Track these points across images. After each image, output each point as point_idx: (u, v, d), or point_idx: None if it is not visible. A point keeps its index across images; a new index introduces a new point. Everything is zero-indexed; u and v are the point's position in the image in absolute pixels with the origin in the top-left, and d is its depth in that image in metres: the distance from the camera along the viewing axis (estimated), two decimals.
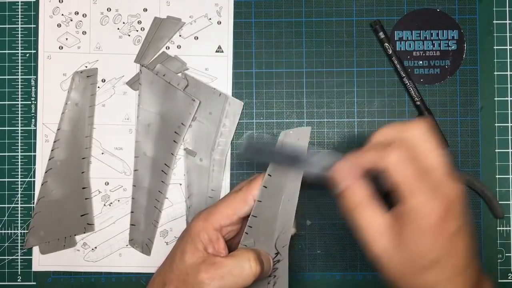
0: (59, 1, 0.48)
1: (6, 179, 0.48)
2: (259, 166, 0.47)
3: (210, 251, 0.36)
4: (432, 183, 0.31)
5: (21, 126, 0.48)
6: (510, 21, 0.48)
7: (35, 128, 0.48)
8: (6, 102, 0.48)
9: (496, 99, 0.48)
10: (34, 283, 0.47)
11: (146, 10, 0.48)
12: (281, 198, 0.37)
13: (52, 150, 0.47)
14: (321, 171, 0.35)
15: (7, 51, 0.48)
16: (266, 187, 0.37)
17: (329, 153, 0.36)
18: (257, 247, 0.37)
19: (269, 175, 0.37)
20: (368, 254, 0.33)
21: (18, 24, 0.48)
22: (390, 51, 0.47)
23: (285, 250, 0.38)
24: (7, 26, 0.48)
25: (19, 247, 0.48)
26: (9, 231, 0.48)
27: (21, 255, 0.48)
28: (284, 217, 0.37)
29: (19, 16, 0.48)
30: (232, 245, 0.39)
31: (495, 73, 0.48)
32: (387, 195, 0.33)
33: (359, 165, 0.33)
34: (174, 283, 0.35)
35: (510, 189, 0.47)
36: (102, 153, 0.48)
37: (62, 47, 0.48)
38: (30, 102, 0.48)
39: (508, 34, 0.48)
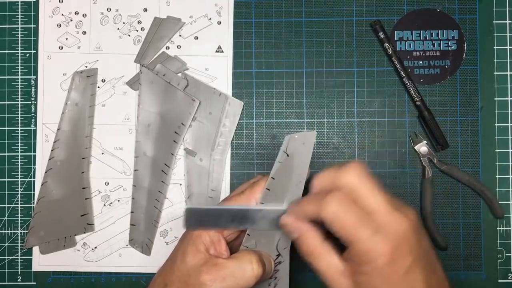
0: (59, 1, 0.48)
1: (6, 179, 0.48)
2: (259, 165, 0.47)
3: (211, 253, 0.36)
4: (375, 225, 0.30)
5: (21, 126, 0.48)
6: (510, 21, 0.48)
7: (35, 128, 0.48)
8: (6, 102, 0.48)
9: (496, 99, 0.48)
10: (34, 283, 0.47)
11: (146, 10, 0.48)
12: (283, 202, 0.37)
13: (52, 150, 0.47)
14: (271, 225, 0.36)
15: (7, 51, 0.48)
16: (269, 190, 0.37)
17: (273, 205, 0.36)
18: (259, 249, 0.37)
19: (272, 178, 0.37)
20: None
21: (18, 24, 0.48)
22: (390, 51, 0.47)
23: (286, 252, 0.38)
24: (7, 26, 0.48)
25: (19, 247, 0.48)
26: (9, 231, 0.48)
27: (21, 255, 0.48)
28: None
29: (19, 16, 0.48)
30: (233, 247, 0.39)
31: (495, 73, 0.48)
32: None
33: (303, 216, 0.34)
34: (175, 284, 0.35)
35: (510, 189, 0.47)
36: (102, 153, 0.48)
37: (62, 47, 0.48)
38: (30, 102, 0.48)
39: (508, 34, 0.48)
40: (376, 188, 0.31)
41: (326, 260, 0.32)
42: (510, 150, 0.47)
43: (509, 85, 0.48)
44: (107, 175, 0.48)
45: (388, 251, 0.30)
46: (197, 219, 0.36)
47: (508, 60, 0.48)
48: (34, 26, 0.48)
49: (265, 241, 0.38)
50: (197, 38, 0.48)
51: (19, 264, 0.48)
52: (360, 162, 0.33)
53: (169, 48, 0.48)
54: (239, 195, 0.38)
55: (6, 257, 0.48)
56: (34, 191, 0.48)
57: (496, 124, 0.47)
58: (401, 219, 0.31)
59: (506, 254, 0.47)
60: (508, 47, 0.48)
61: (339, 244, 0.32)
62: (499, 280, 0.47)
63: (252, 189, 0.37)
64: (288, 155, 0.36)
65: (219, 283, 0.34)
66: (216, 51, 0.48)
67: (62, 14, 0.48)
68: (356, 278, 0.31)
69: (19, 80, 0.48)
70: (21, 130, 0.48)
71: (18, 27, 0.48)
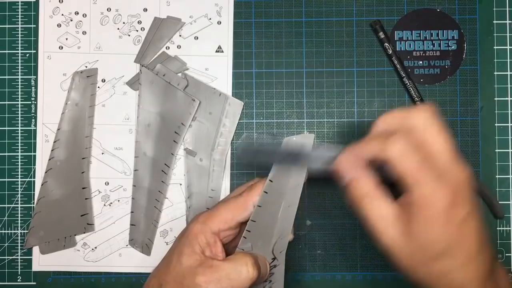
0: (59, 1, 0.48)
1: (6, 179, 0.48)
2: (259, 167, 0.47)
3: (207, 254, 0.36)
4: (438, 170, 0.30)
5: (21, 126, 0.48)
6: (510, 21, 0.48)
7: (35, 128, 0.48)
8: (6, 102, 0.48)
9: (496, 99, 0.48)
10: (34, 283, 0.47)
11: (146, 10, 0.48)
12: (281, 204, 0.37)
13: (52, 150, 0.47)
14: (324, 165, 0.35)
15: (7, 51, 0.48)
16: (267, 193, 0.37)
17: (330, 146, 0.35)
18: (255, 252, 0.37)
19: (270, 180, 0.37)
20: (378, 245, 0.32)
21: (18, 24, 0.48)
22: (390, 51, 0.47)
23: (282, 256, 0.38)
24: (7, 26, 0.48)
25: (19, 247, 0.48)
26: (9, 231, 0.48)
27: (21, 255, 0.48)
28: (283, 223, 0.37)
29: (19, 16, 0.48)
30: (229, 249, 0.39)
31: (495, 73, 0.48)
32: (393, 184, 0.32)
33: (362, 156, 0.32)
34: (170, 284, 0.35)
35: (510, 189, 0.47)
36: (102, 153, 0.48)
37: (62, 47, 0.48)
38: (30, 102, 0.48)
39: (508, 34, 0.48)
40: (442, 134, 0.31)
41: (378, 207, 0.32)
42: (510, 150, 0.47)
43: (509, 85, 0.48)
44: (107, 175, 0.48)
45: (450, 197, 0.30)
46: (252, 151, 0.36)
47: (508, 60, 0.48)
48: (34, 26, 0.48)
49: (261, 244, 0.38)
50: (197, 38, 0.48)
51: (19, 264, 0.48)
52: (430, 105, 0.32)
53: (169, 48, 0.48)
54: (236, 198, 0.38)
55: (6, 257, 0.48)
56: (34, 191, 0.48)
57: (496, 124, 0.47)
58: (461, 168, 0.31)
59: (506, 254, 0.47)
60: (508, 47, 0.48)
61: (392, 194, 0.32)
62: None
63: (249, 192, 0.37)
64: None
65: (213, 285, 0.34)
66: (216, 51, 0.48)
67: (62, 14, 0.48)
68: (409, 227, 0.31)
69: (19, 80, 0.48)
70: (21, 130, 0.48)
71: (18, 27, 0.48)
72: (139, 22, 0.48)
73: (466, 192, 0.31)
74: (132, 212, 0.47)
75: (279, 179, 0.37)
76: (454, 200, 0.30)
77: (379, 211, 0.32)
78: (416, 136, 0.31)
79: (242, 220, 0.37)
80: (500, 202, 0.47)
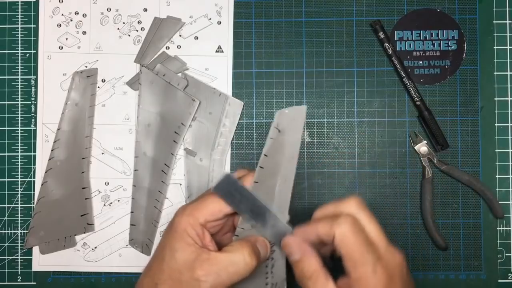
0: (59, 1, 0.48)
1: (6, 179, 0.48)
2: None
3: (199, 245, 0.36)
4: (376, 254, 0.33)
5: (21, 126, 0.48)
6: (510, 21, 0.48)
7: (35, 128, 0.48)
8: (6, 102, 0.48)
9: (496, 99, 0.48)
10: (34, 283, 0.47)
11: (146, 10, 0.48)
12: (277, 178, 0.37)
13: (52, 150, 0.47)
14: (275, 238, 0.37)
15: (7, 51, 0.48)
16: (262, 168, 0.36)
17: (283, 225, 0.37)
18: (254, 230, 0.37)
19: (265, 155, 0.36)
20: None
21: (18, 24, 0.48)
22: (390, 51, 0.47)
23: None
24: (7, 26, 0.48)
25: (19, 247, 0.48)
26: (9, 231, 0.48)
27: (21, 255, 0.48)
28: (281, 199, 0.37)
29: (19, 16, 0.48)
30: (216, 239, 0.38)
31: (495, 73, 0.48)
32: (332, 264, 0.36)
33: (308, 238, 0.35)
34: (167, 282, 0.35)
35: (510, 189, 0.47)
36: (102, 153, 0.48)
37: (62, 47, 0.48)
38: (30, 102, 0.48)
39: (508, 34, 0.48)
40: (375, 221, 0.35)
41: (323, 284, 0.34)
42: (510, 150, 0.47)
43: (509, 85, 0.48)
44: (107, 175, 0.48)
45: (386, 279, 0.32)
46: (227, 189, 0.36)
47: (508, 60, 0.48)
48: (34, 26, 0.48)
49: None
50: (197, 38, 0.48)
51: (19, 264, 0.48)
52: (358, 196, 0.35)
53: (169, 48, 0.48)
54: None
55: (6, 257, 0.48)
56: (34, 191, 0.48)
57: (496, 124, 0.47)
58: (396, 253, 0.34)
59: (506, 254, 0.47)
60: (508, 47, 0.48)
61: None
62: (499, 280, 0.47)
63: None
64: (279, 131, 0.36)
65: (212, 278, 0.34)
66: (216, 51, 0.48)
67: (62, 14, 0.48)
68: None
69: (19, 80, 0.48)
70: (21, 130, 0.48)
71: (18, 27, 0.48)
72: (139, 22, 0.48)
73: (400, 275, 0.34)
74: (132, 212, 0.47)
75: (274, 153, 0.36)
76: (390, 283, 0.32)
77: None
78: (356, 221, 0.34)
79: (229, 213, 0.37)
80: (500, 202, 0.47)
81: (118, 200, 0.48)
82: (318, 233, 0.34)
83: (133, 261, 0.47)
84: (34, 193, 0.47)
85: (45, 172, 0.47)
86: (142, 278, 0.37)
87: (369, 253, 0.32)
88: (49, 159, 0.47)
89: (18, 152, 0.48)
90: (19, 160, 0.48)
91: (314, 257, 0.35)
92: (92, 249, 0.47)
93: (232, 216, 0.38)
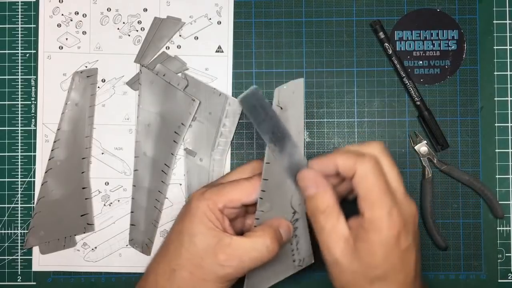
0: (59, 1, 0.48)
1: (6, 179, 0.48)
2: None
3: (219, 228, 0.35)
4: (394, 199, 0.32)
5: (21, 126, 0.48)
6: (510, 21, 0.48)
7: (35, 128, 0.48)
8: (6, 102, 0.48)
9: (496, 99, 0.48)
10: (34, 283, 0.47)
11: (146, 10, 0.48)
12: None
13: (52, 150, 0.47)
14: (290, 170, 0.36)
15: (7, 51, 0.48)
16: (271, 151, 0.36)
17: (301, 156, 0.36)
18: (274, 210, 0.36)
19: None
20: (326, 257, 0.34)
21: (18, 24, 0.48)
22: (390, 51, 0.47)
23: (302, 208, 0.37)
24: (7, 26, 0.48)
25: (19, 247, 0.48)
26: (9, 231, 0.48)
27: (21, 255, 0.48)
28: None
29: (19, 16, 0.48)
30: (233, 226, 0.38)
31: (495, 73, 0.48)
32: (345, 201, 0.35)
33: (325, 171, 0.34)
34: (186, 268, 0.34)
35: (510, 189, 0.47)
36: (102, 153, 0.48)
37: (62, 47, 0.48)
38: (30, 102, 0.48)
39: (508, 34, 0.48)
40: (396, 168, 0.34)
41: (335, 222, 0.33)
42: (510, 150, 0.47)
43: (509, 85, 0.48)
44: (107, 175, 0.48)
45: (399, 225, 0.32)
46: (252, 102, 0.34)
47: (508, 60, 0.48)
48: (34, 26, 0.48)
49: (280, 201, 0.37)
50: (197, 38, 0.48)
51: (19, 264, 0.48)
52: (380, 141, 0.35)
53: (169, 48, 0.48)
54: (245, 181, 0.37)
55: (6, 257, 0.48)
56: (34, 191, 0.48)
57: (496, 124, 0.47)
58: (412, 204, 0.34)
59: (506, 254, 0.47)
60: (508, 47, 0.48)
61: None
62: (499, 280, 0.47)
63: (260, 178, 0.36)
64: (281, 108, 0.36)
65: (235, 263, 0.34)
66: (216, 51, 0.48)
67: (62, 14, 0.48)
68: (357, 244, 0.32)
69: (19, 80, 0.48)
70: (21, 130, 0.48)
71: (18, 27, 0.48)
72: (139, 22, 0.48)
73: (412, 225, 0.33)
74: (132, 212, 0.47)
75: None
76: (402, 230, 0.32)
77: (334, 227, 0.33)
78: (378, 163, 0.33)
79: (249, 203, 0.37)
80: (500, 202, 0.47)
81: (118, 200, 0.48)
82: (337, 165, 0.33)
83: (133, 261, 0.47)
84: (34, 193, 0.47)
85: (45, 172, 0.47)
86: (154, 265, 0.37)
87: (387, 196, 0.32)
88: (49, 159, 0.47)
89: (18, 152, 0.48)
90: (19, 160, 0.48)
91: (330, 192, 0.34)
92: (92, 249, 0.47)
93: (246, 207, 0.37)
